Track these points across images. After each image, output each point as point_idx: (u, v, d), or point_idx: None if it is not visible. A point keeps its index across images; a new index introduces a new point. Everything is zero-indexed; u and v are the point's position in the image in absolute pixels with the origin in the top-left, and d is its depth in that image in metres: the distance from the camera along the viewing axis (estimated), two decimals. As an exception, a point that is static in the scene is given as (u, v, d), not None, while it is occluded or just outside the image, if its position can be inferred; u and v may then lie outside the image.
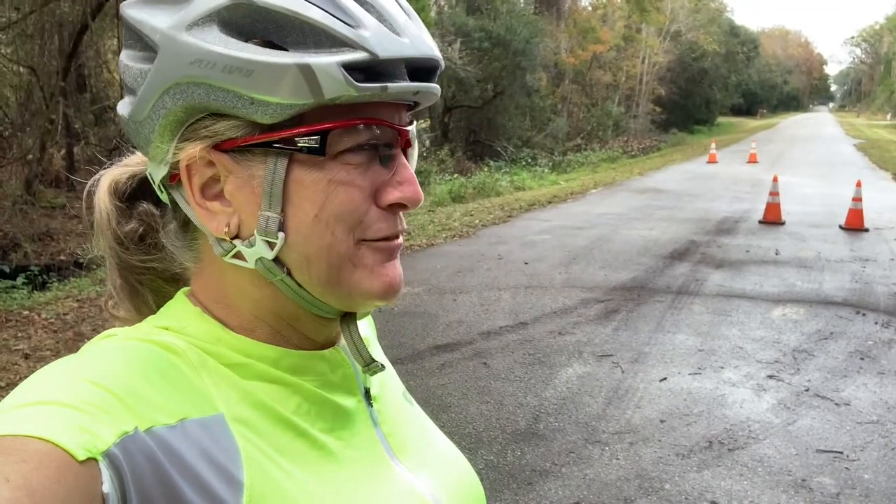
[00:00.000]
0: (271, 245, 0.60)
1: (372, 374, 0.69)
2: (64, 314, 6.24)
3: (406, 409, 0.78)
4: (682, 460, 3.70)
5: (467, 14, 22.45)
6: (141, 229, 0.69)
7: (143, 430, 0.50)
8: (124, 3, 0.61)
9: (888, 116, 61.01)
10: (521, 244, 9.03)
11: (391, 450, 0.69)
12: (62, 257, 9.54)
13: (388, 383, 0.77)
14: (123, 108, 0.63)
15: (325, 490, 0.59)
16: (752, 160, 21.53)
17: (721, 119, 50.82)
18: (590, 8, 35.02)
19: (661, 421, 4.14)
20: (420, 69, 0.60)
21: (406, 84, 0.58)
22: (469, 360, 5.03)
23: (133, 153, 0.73)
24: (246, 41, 0.55)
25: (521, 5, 26.80)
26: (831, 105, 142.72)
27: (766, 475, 3.56)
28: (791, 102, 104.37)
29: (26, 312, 6.22)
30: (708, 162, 21.54)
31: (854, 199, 10.25)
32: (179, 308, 0.65)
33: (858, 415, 4.23)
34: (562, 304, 6.36)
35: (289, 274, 0.61)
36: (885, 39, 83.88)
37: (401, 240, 0.64)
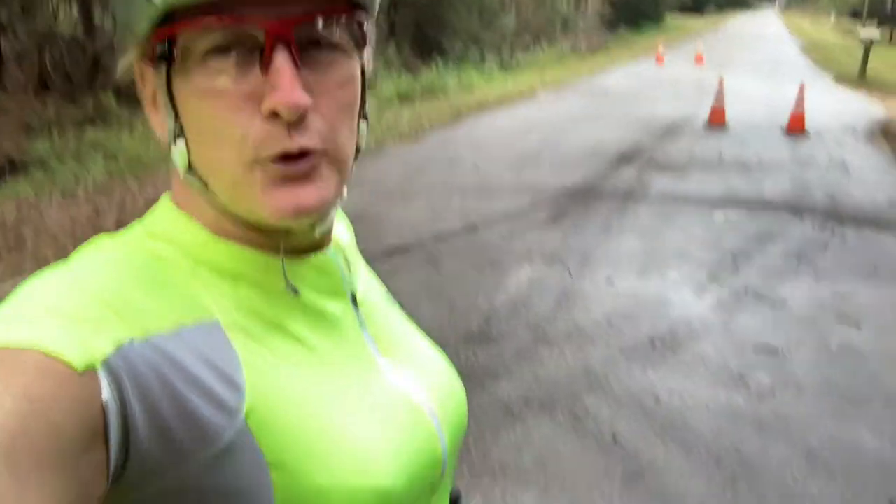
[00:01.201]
0: (181, 152, 0.59)
1: (339, 297, 0.69)
2: (3, 216, 6.05)
3: (389, 311, 0.78)
4: (628, 359, 3.86)
5: None
6: None
7: (140, 340, 0.50)
8: None
9: (832, 17, 61.32)
10: (470, 147, 8.99)
11: (378, 351, 0.71)
12: (-5, 158, 9.16)
13: (371, 286, 0.78)
14: None
15: (320, 390, 0.61)
16: (699, 61, 21.55)
17: (669, 18, 50.41)
18: None
19: (608, 322, 4.28)
20: None
21: None
22: (421, 264, 5.08)
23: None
24: None
25: None
26: (777, 4, 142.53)
27: (705, 372, 3.74)
28: (739, 1, 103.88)
29: (-38, 217, 6.01)
30: (655, 63, 21.49)
31: (796, 102, 10.41)
32: (166, 214, 0.64)
33: (794, 313, 4.44)
34: (512, 207, 6.42)
35: (205, 185, 0.60)
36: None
37: (305, 162, 0.57)
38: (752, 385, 3.62)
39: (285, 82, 0.54)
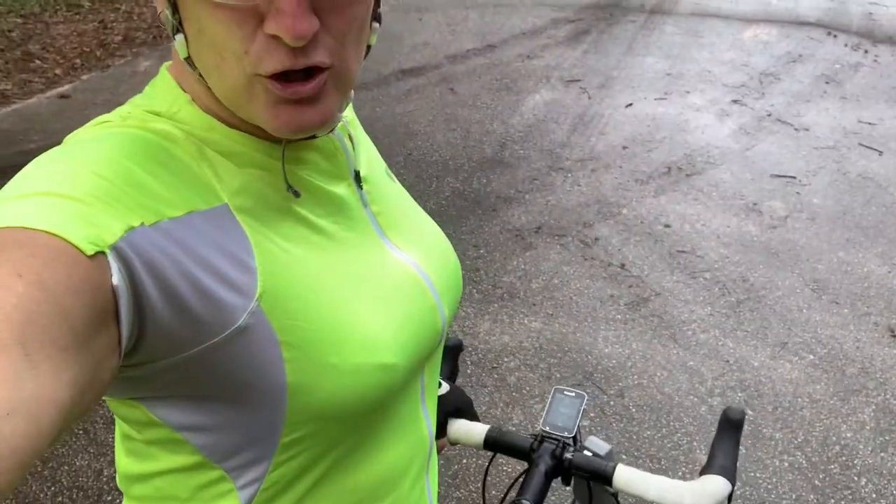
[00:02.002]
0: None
1: (343, 177, 0.68)
2: (9, 31, 5.92)
3: (390, 187, 0.78)
4: (641, 186, 3.83)
5: None
6: None
7: (149, 225, 0.50)
8: None
9: None
10: (490, -44, 8.49)
11: (381, 228, 0.71)
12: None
13: (373, 162, 0.77)
14: None
15: (328, 272, 0.62)
16: None
17: None
18: None
19: (624, 147, 4.22)
20: None
21: None
22: (435, 86, 4.95)
23: None
24: None
25: None
26: None
27: (719, 199, 3.72)
28: None
29: (-34, 34, 5.88)
30: None
31: None
32: (168, 92, 0.62)
33: (816, 140, 4.34)
34: (531, 25, 6.15)
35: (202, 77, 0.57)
36: None
37: (310, 84, 0.55)
38: (766, 213, 3.60)
39: (289, 6, 0.50)
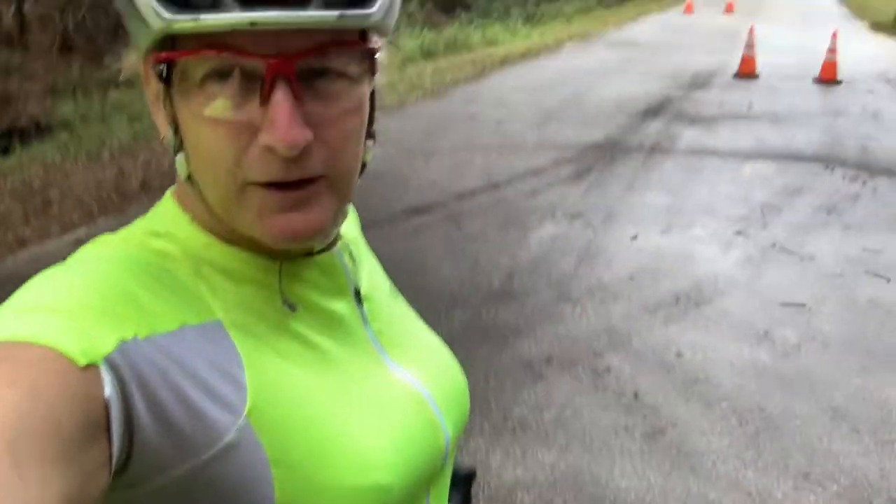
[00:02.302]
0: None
1: (343, 294, 0.69)
2: (30, 180, 6.12)
3: (393, 306, 0.78)
4: (650, 315, 3.83)
5: None
6: None
7: (142, 337, 0.50)
8: None
9: (869, -39, 59.30)
10: (493, 103, 8.88)
11: (382, 347, 0.71)
12: (23, 121, 9.24)
13: (376, 281, 0.77)
14: None
15: (322, 389, 0.61)
16: (730, 9, 21.01)
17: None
18: None
19: (631, 278, 4.25)
20: None
21: (232, 14, 0.50)
22: (443, 223, 5.06)
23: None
24: None
25: None
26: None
27: (729, 328, 3.70)
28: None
29: (-10, 181, 6.09)
30: (684, 12, 20.99)
31: (829, 51, 10.12)
32: (169, 213, 0.64)
33: (822, 268, 4.37)
34: (535, 165, 6.35)
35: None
36: None
37: (303, 190, 0.56)
38: (778, 341, 3.57)
39: (283, 119, 0.52)
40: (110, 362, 0.47)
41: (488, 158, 6.54)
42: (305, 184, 0.56)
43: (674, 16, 20.45)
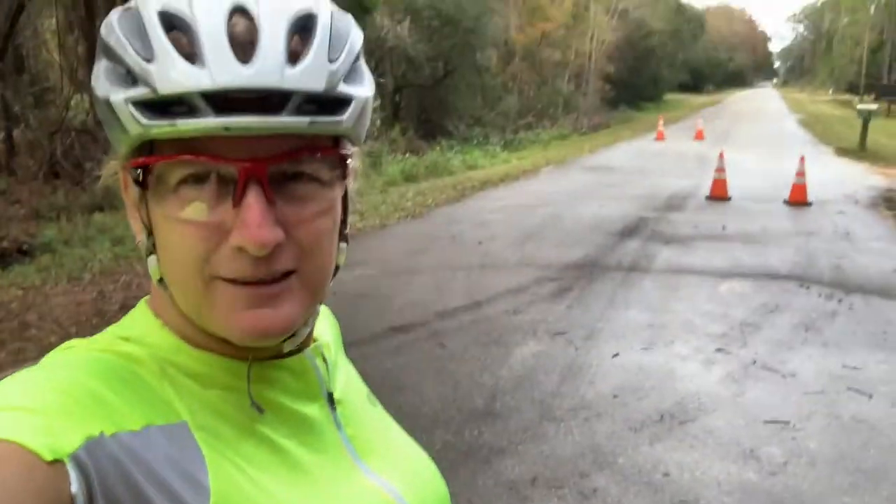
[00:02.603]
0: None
1: (315, 399, 0.69)
2: (9, 303, 6.07)
3: (370, 411, 0.78)
4: (635, 434, 3.78)
5: (416, -8, 22.23)
6: None
7: (108, 435, 0.51)
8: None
9: (830, 91, 62.44)
10: (474, 224, 9.05)
11: (356, 453, 0.70)
12: (4, 244, 9.24)
13: (351, 385, 0.77)
14: None
15: (290, 496, 0.60)
16: (699, 136, 21.86)
17: (668, 96, 51.45)
18: (538, -15, 34.94)
19: (614, 396, 4.22)
20: (255, 99, 0.53)
21: (206, 120, 0.52)
22: (425, 341, 5.04)
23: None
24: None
25: (471, -17, 26.62)
26: (775, 81, 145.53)
27: (716, 446, 3.66)
28: (736, 79, 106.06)
29: (-32, 302, 6.03)
30: (656, 139, 21.81)
31: (798, 174, 10.50)
32: (140, 319, 0.65)
33: (804, 385, 4.37)
34: (516, 283, 6.41)
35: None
36: (826, 16, 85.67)
37: (279, 286, 0.58)
38: (764, 459, 3.53)
39: (254, 220, 0.54)
40: (76, 459, 0.48)
41: (470, 277, 6.61)
42: (276, 280, 0.57)
43: (646, 142, 21.23)
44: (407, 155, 15.63)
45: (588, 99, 33.04)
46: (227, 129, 0.52)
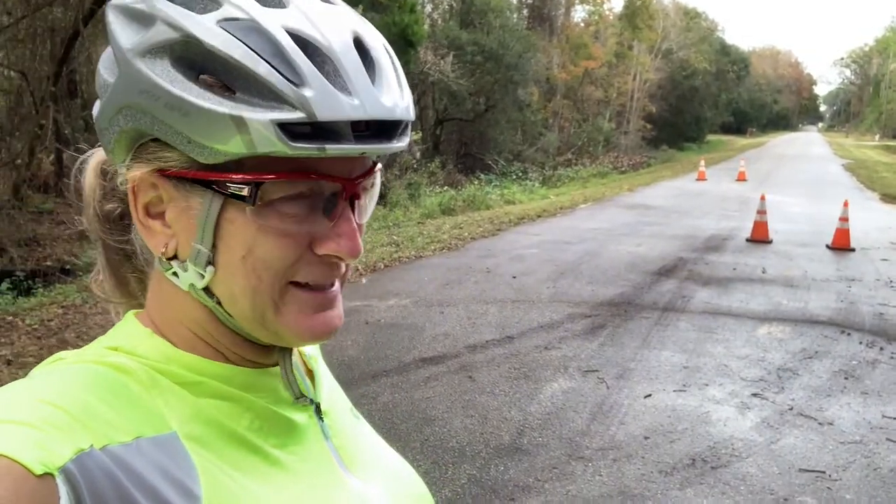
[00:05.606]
0: (202, 275, 0.61)
1: (304, 408, 0.70)
2: (48, 320, 6.19)
3: (356, 425, 0.79)
4: (665, 478, 3.70)
5: (460, 28, 22.56)
6: (120, 209, 0.70)
7: (98, 448, 0.51)
8: (109, 2, 0.61)
9: (876, 137, 61.53)
10: (509, 258, 9.03)
11: (342, 462, 0.71)
12: (48, 263, 9.47)
13: (336, 399, 0.79)
14: (95, 109, 0.63)
15: (276, 499, 0.61)
16: (741, 178, 21.65)
17: (711, 137, 51.16)
18: (582, 24, 35.22)
19: (645, 438, 4.14)
20: (378, 127, 0.58)
21: (349, 146, 0.56)
22: (454, 374, 5.02)
23: None
24: (197, 76, 0.55)
25: (515, 20, 26.95)
26: (820, 125, 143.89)
27: (748, 494, 3.56)
28: (780, 122, 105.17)
29: (10, 318, 6.17)
30: (697, 179, 21.64)
31: (841, 219, 10.31)
32: (129, 328, 0.66)
33: (841, 434, 4.24)
34: (549, 319, 6.36)
35: (219, 304, 0.62)
36: (874, 61, 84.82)
37: (336, 289, 0.64)
38: (798, 509, 3.42)
39: (350, 232, 0.61)
40: (66, 473, 0.48)
41: (502, 311, 6.57)
42: (335, 284, 0.64)
43: (687, 182, 21.08)
44: (445, 188, 15.74)
45: (629, 137, 33.00)
46: (363, 153, 0.58)
